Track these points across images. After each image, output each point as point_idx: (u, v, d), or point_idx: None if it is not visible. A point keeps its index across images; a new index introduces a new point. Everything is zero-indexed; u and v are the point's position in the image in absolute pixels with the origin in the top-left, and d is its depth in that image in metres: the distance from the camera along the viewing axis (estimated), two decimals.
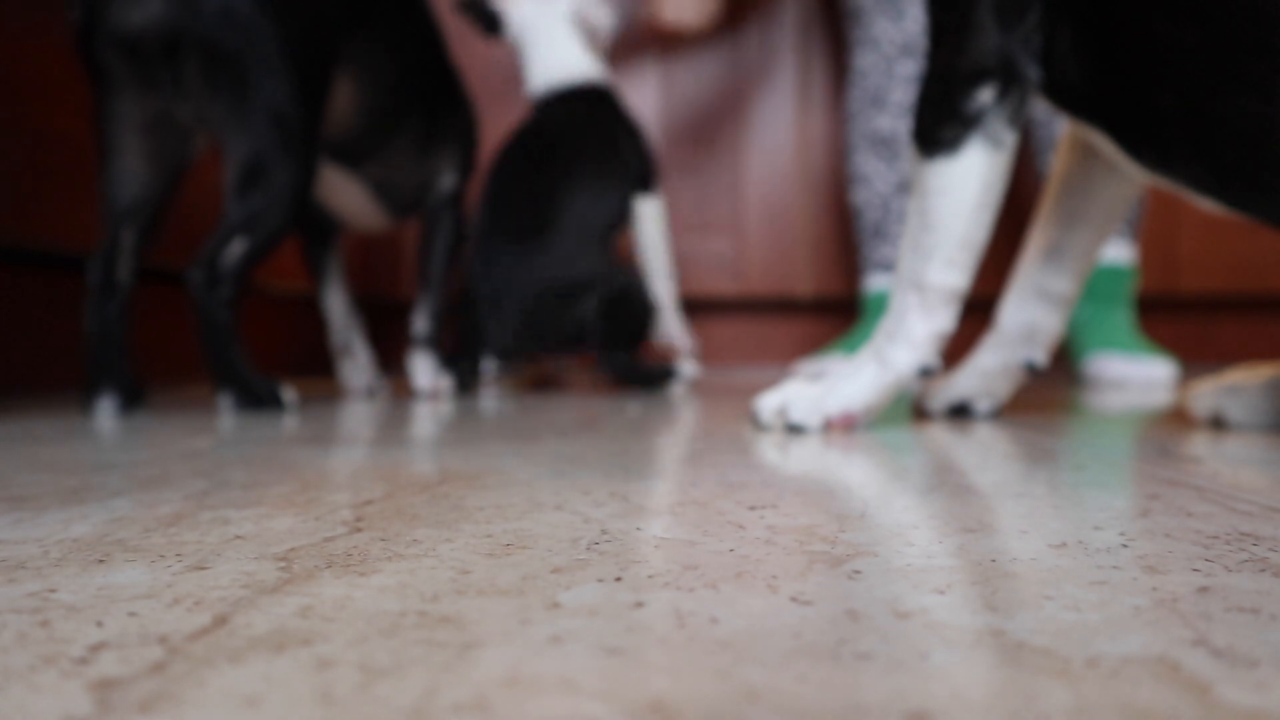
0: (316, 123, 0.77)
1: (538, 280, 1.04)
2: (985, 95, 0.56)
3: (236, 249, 0.73)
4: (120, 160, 0.76)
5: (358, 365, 1.00)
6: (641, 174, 1.16)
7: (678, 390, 1.05)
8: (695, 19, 1.39)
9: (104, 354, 0.76)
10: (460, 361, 1.06)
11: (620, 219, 1.12)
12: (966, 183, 0.57)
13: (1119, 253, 1.26)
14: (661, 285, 1.22)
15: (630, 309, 1.06)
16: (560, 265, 1.05)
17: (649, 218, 1.18)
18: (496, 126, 1.66)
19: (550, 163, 1.09)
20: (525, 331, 1.04)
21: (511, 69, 1.67)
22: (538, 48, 1.21)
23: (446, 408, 0.80)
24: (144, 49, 0.72)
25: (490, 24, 1.24)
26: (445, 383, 0.98)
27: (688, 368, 1.11)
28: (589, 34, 1.23)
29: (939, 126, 0.57)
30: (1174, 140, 0.52)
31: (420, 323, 0.99)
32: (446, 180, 0.99)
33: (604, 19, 1.25)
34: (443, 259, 1.00)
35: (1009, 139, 0.57)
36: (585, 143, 1.11)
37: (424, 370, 0.98)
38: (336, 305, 0.99)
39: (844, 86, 1.64)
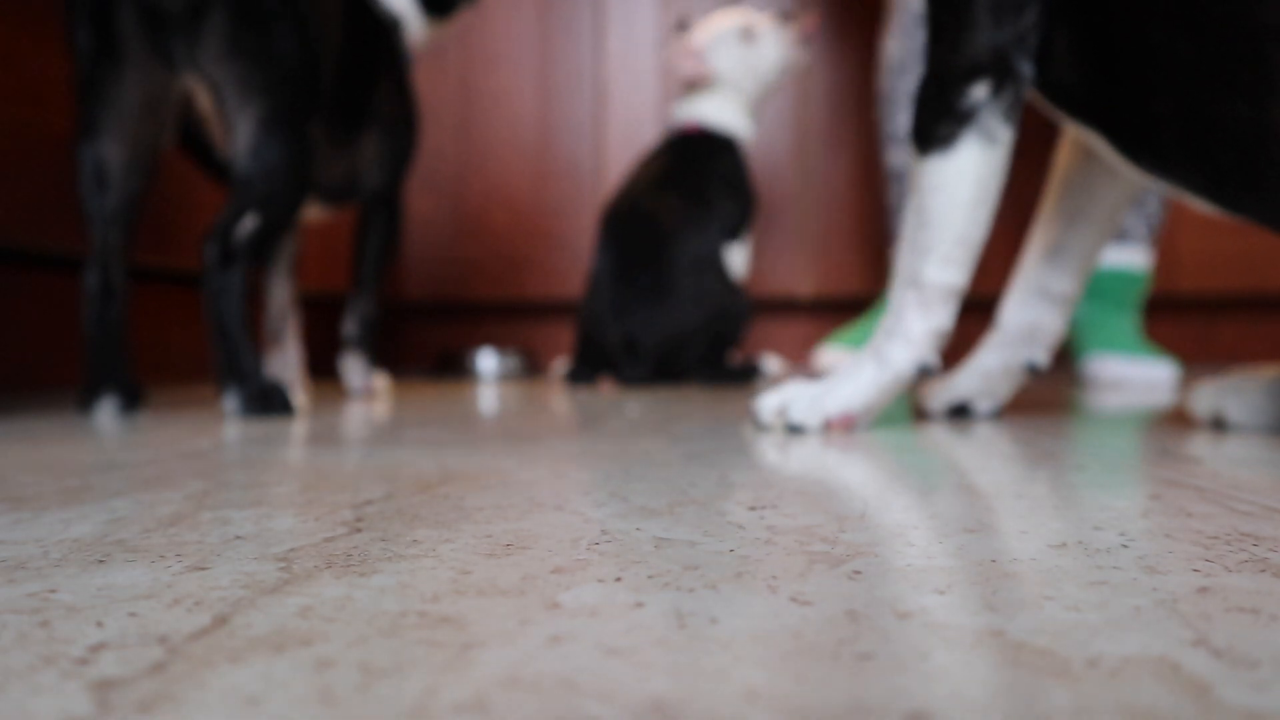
0: (320, 88, 0.76)
1: (664, 329, 1.16)
2: (979, 91, 0.56)
3: (249, 224, 0.70)
4: (101, 147, 0.74)
5: (285, 360, 1.00)
6: (730, 225, 1.24)
7: (762, 385, 1.14)
8: None
9: (105, 356, 0.75)
10: (579, 371, 1.18)
11: (715, 259, 1.22)
12: (962, 179, 0.57)
13: (1134, 257, 1.24)
14: None
15: (728, 325, 1.18)
16: (681, 313, 1.16)
17: (733, 263, 1.26)
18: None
19: (661, 212, 1.20)
20: (655, 367, 1.17)
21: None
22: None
23: (382, 407, 0.80)
24: (168, 11, 0.70)
25: None
26: (380, 383, 0.99)
27: (772, 364, 1.20)
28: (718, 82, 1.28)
29: (934, 123, 0.57)
30: (1170, 144, 0.52)
31: (350, 325, 1.00)
32: (373, 177, 0.98)
33: (779, 57, 1.29)
34: (375, 262, 1.00)
35: (1004, 135, 0.57)
36: (689, 192, 1.22)
37: (356, 371, 0.99)
38: (278, 295, 0.99)
39: (873, 79, 1.64)
